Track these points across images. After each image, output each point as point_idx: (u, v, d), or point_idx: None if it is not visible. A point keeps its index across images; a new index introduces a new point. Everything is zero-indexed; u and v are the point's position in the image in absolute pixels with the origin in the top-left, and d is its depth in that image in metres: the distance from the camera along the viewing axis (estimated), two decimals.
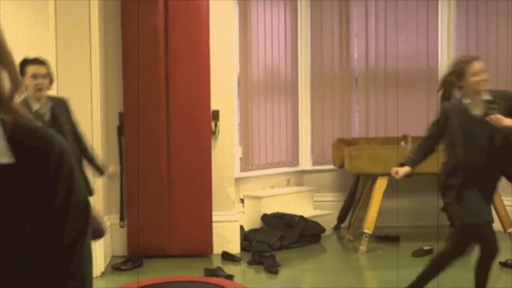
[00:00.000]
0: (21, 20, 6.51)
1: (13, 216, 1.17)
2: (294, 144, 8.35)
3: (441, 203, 7.88)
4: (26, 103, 4.40)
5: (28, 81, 4.47)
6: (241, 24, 7.71)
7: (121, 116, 6.64)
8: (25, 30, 6.50)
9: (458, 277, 6.10)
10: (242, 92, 7.77)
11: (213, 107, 6.70)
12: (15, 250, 1.17)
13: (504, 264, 6.15)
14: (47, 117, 4.54)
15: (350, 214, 7.92)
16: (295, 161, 8.36)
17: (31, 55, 6.43)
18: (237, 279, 5.80)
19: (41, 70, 4.55)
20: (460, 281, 5.91)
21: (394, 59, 8.35)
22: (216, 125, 6.76)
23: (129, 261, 6.32)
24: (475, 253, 4.85)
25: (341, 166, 7.56)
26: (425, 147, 4.92)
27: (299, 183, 8.28)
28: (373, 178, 6.99)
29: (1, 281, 1.17)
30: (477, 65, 4.63)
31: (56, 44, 5.81)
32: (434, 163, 6.88)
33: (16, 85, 1.22)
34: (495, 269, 6.19)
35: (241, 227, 7.12)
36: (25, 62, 4.51)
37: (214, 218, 6.66)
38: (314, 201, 8.01)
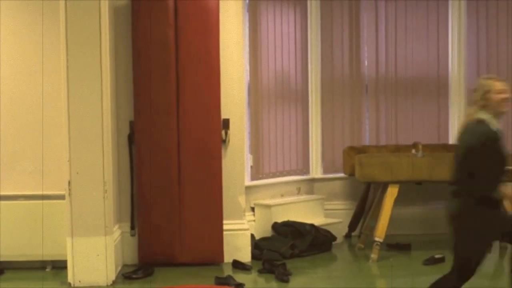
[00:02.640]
0: (32, 27, 6.54)
1: None
2: (305, 152, 8.33)
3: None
4: None
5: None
6: (251, 32, 7.71)
7: (131, 124, 6.64)
8: (34, 34, 6.53)
9: (471, 285, 6.07)
10: (252, 100, 7.76)
11: (224, 115, 6.70)
12: None
13: None
14: None
15: (361, 222, 7.89)
16: (305, 169, 8.34)
17: (40, 62, 6.49)
18: None
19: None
20: None
21: (405, 66, 8.33)
22: (226, 133, 6.75)
23: (140, 269, 6.32)
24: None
25: (352, 174, 7.53)
26: None
27: (310, 191, 8.26)
28: (384, 186, 6.96)
29: None
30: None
31: (67, 54, 5.82)
32: (446, 171, 6.87)
33: None
34: (508, 276, 6.16)
35: (252, 236, 7.11)
36: None
37: (225, 227, 6.65)
38: (325, 209, 7.99)
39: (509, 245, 7.19)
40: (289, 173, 8.17)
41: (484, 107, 4.42)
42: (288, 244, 6.96)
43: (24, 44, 6.55)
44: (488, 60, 8.15)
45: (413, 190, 7.70)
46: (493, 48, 8.12)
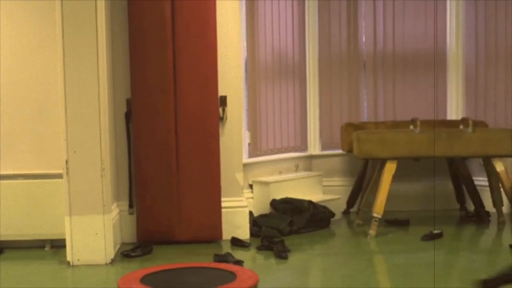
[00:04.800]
0: (28, 6, 6.51)
1: None
2: (303, 129, 8.32)
3: (450, 186, 7.87)
4: None
5: None
6: (248, 8, 7.67)
7: (128, 102, 6.62)
8: (30, 14, 6.50)
9: (469, 260, 6.09)
10: (249, 77, 7.74)
11: (221, 92, 6.68)
12: None
13: None
14: None
15: (359, 198, 7.90)
16: (303, 146, 8.34)
17: (37, 40, 6.46)
18: (247, 265, 5.80)
19: None
20: (472, 264, 5.90)
21: (403, 41, 8.30)
22: (224, 110, 6.74)
23: (139, 247, 6.33)
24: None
25: (350, 150, 7.53)
26: None
27: (308, 168, 8.27)
28: (382, 162, 6.96)
29: None
30: None
31: (62, 30, 5.79)
32: (444, 147, 6.87)
33: None
34: (506, 252, 6.19)
35: (250, 213, 7.12)
36: None
37: (223, 204, 6.66)
38: (323, 186, 7.99)
39: (507, 219, 7.23)
40: (287, 150, 8.17)
41: None
42: (287, 221, 6.97)
43: (20, 23, 6.50)
44: (487, 36, 8.11)
45: (411, 166, 7.71)
46: (492, 23, 8.08)
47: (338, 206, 7.74)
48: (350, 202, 8.02)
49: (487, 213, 7.50)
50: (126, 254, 6.21)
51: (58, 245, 6.36)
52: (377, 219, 6.78)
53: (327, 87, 8.30)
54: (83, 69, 5.81)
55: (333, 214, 7.44)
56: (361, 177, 7.94)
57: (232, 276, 5.27)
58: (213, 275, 5.40)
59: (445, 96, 8.34)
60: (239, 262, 5.82)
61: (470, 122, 7.00)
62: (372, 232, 6.77)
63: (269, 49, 7.94)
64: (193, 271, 5.51)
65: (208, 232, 6.62)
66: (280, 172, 7.96)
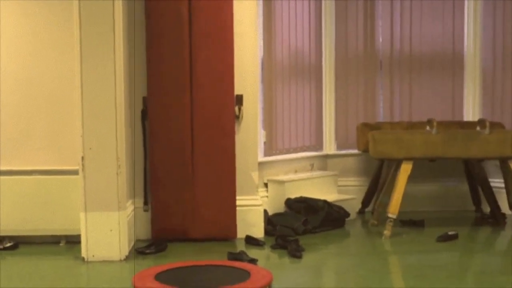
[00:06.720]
0: (43, 3, 6.53)
1: None
2: (318, 128, 8.31)
3: (465, 187, 7.83)
4: None
5: None
6: (265, 7, 7.67)
7: (144, 100, 6.64)
8: (48, 12, 6.52)
9: (484, 262, 6.06)
10: (266, 76, 7.73)
11: (237, 91, 6.68)
12: None
13: None
14: None
15: (374, 198, 7.89)
16: (319, 145, 8.33)
17: (54, 38, 6.49)
18: (261, 263, 5.80)
19: None
20: (487, 266, 5.87)
21: (420, 42, 8.27)
22: (240, 109, 6.74)
23: (153, 244, 6.34)
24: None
25: (365, 150, 7.51)
26: None
27: (323, 168, 8.26)
28: (397, 162, 6.94)
29: None
30: None
31: (80, 28, 5.81)
32: (460, 148, 6.84)
33: None
34: None
35: (265, 211, 7.12)
36: None
37: (238, 202, 6.66)
38: (338, 186, 7.98)
39: None
40: (302, 149, 8.16)
41: None
42: (301, 220, 6.97)
43: (38, 21, 6.54)
44: (504, 37, 8.07)
45: (426, 167, 7.68)
46: (510, 24, 8.03)
47: (353, 206, 7.73)
48: (365, 202, 8.01)
49: (503, 215, 7.46)
50: (140, 251, 6.23)
51: (73, 241, 6.39)
52: (392, 220, 6.76)
53: (343, 86, 8.29)
54: (100, 66, 5.83)
55: (348, 214, 7.42)
56: (377, 177, 7.92)
57: (246, 274, 5.26)
58: (227, 273, 5.39)
59: (461, 97, 8.31)
60: (253, 261, 5.82)
61: (487, 123, 6.96)
62: (386, 232, 6.75)
63: (285, 48, 7.93)
64: (207, 269, 5.51)
65: (223, 230, 6.63)
66: (296, 171, 7.96)
